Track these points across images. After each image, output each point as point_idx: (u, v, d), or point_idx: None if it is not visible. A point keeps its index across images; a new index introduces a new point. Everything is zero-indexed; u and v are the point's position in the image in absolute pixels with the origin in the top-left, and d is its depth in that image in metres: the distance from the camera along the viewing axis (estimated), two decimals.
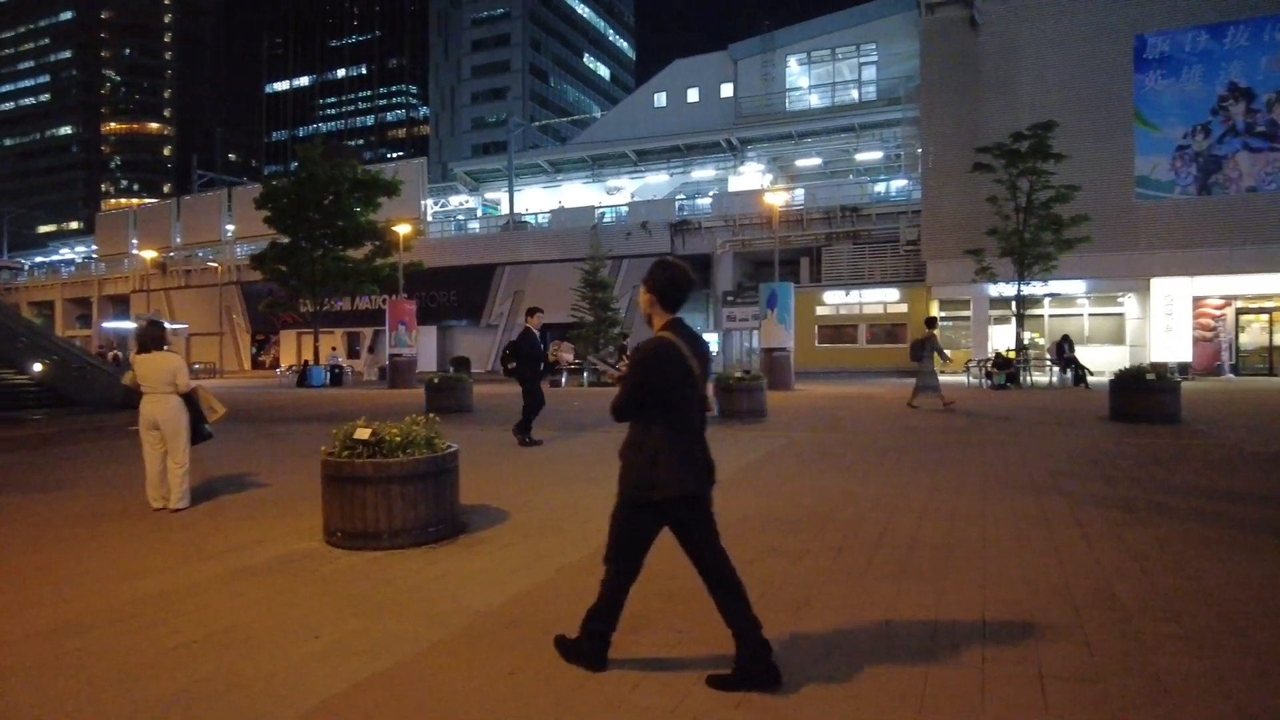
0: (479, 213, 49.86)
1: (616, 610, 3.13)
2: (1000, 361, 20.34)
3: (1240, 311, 26.13)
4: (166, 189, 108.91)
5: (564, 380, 24.63)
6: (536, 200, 48.19)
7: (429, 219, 47.37)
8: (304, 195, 29.59)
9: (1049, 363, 22.42)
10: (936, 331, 15.08)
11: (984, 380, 21.77)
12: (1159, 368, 26.37)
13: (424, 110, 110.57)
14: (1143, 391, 11.18)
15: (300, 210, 29.62)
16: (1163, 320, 26.09)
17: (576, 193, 46.97)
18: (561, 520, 5.68)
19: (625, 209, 41.63)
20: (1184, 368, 25.32)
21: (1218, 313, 26.24)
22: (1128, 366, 12.47)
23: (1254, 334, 26.34)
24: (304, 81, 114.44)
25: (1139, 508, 5.75)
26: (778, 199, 21.40)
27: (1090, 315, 28.03)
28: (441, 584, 4.28)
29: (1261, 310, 26.14)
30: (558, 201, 46.24)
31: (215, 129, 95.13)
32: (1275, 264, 24.85)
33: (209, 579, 4.44)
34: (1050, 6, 27.13)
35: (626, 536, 3.13)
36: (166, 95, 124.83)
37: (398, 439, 4.98)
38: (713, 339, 36.19)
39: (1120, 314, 27.73)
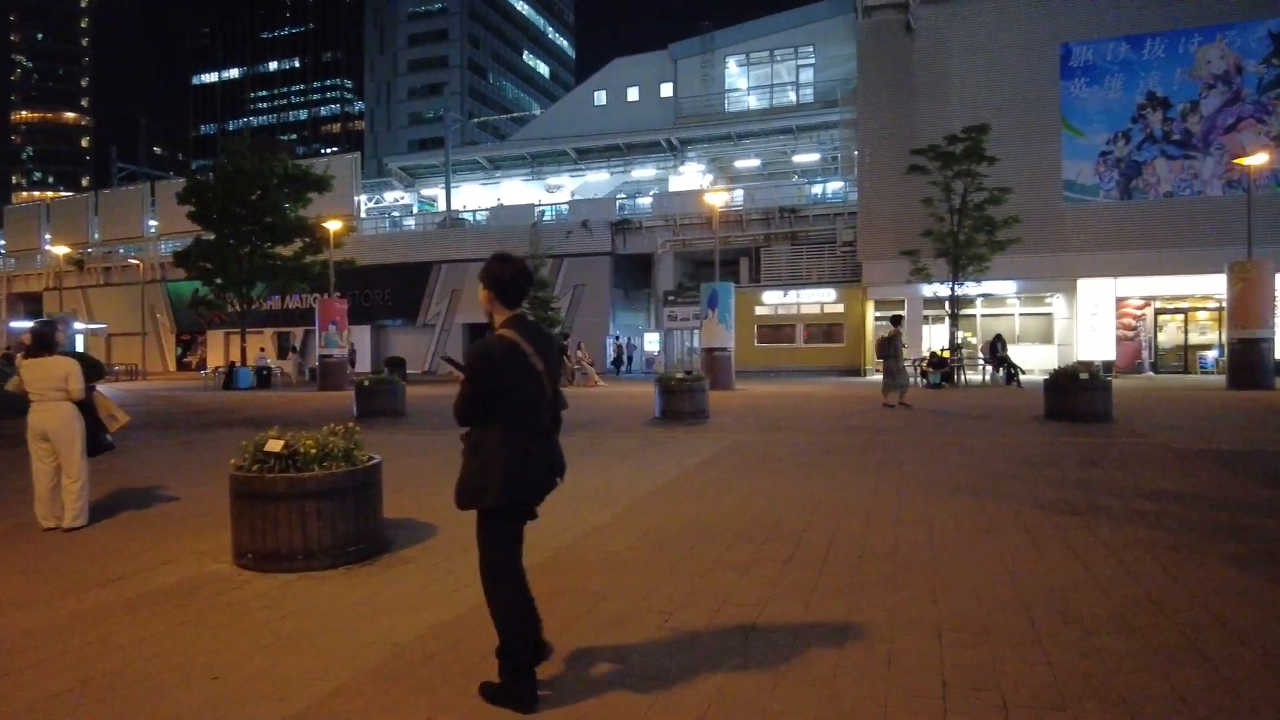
0: (415, 209, 48.84)
1: (526, 636, 2.86)
2: (935, 361, 20.67)
3: (1159, 311, 27.14)
4: (85, 182, 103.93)
5: None
6: (475, 197, 47.40)
7: (363, 215, 46.14)
8: (230, 190, 28.36)
9: (982, 362, 22.88)
10: (902, 329, 15.35)
11: (920, 379, 22.11)
12: (1089, 366, 27.46)
13: (359, 105, 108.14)
14: (1076, 391, 11.36)
15: (226, 205, 28.37)
16: (1089, 320, 26.92)
17: (516, 190, 46.35)
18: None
19: (565, 207, 41.23)
20: (1108, 366, 26.18)
21: (1139, 313, 27.21)
22: (1058, 365, 12.71)
23: (1170, 333, 27.39)
24: (234, 74, 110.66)
25: (1082, 510, 5.71)
26: (718, 199, 21.29)
27: (1020, 315, 28.75)
28: (359, 611, 3.92)
29: (1177, 310, 27.19)
30: (497, 199, 45.55)
31: (138, 120, 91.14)
32: (1190, 266, 25.85)
33: (99, 610, 4.00)
34: (981, 14, 27.75)
35: (488, 550, 2.95)
36: (84, 83, 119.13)
37: (313, 451, 4.59)
38: (654, 339, 36.09)
39: (1049, 314, 28.53)
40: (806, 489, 6.72)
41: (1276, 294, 19.17)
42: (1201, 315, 27.03)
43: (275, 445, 4.58)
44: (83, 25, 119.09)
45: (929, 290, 26.90)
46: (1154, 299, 27.04)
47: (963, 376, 22.32)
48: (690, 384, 12.41)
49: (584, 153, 43.96)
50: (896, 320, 15.31)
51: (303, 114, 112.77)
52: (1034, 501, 6.04)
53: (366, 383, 15.03)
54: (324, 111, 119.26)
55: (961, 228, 22.40)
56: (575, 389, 22.74)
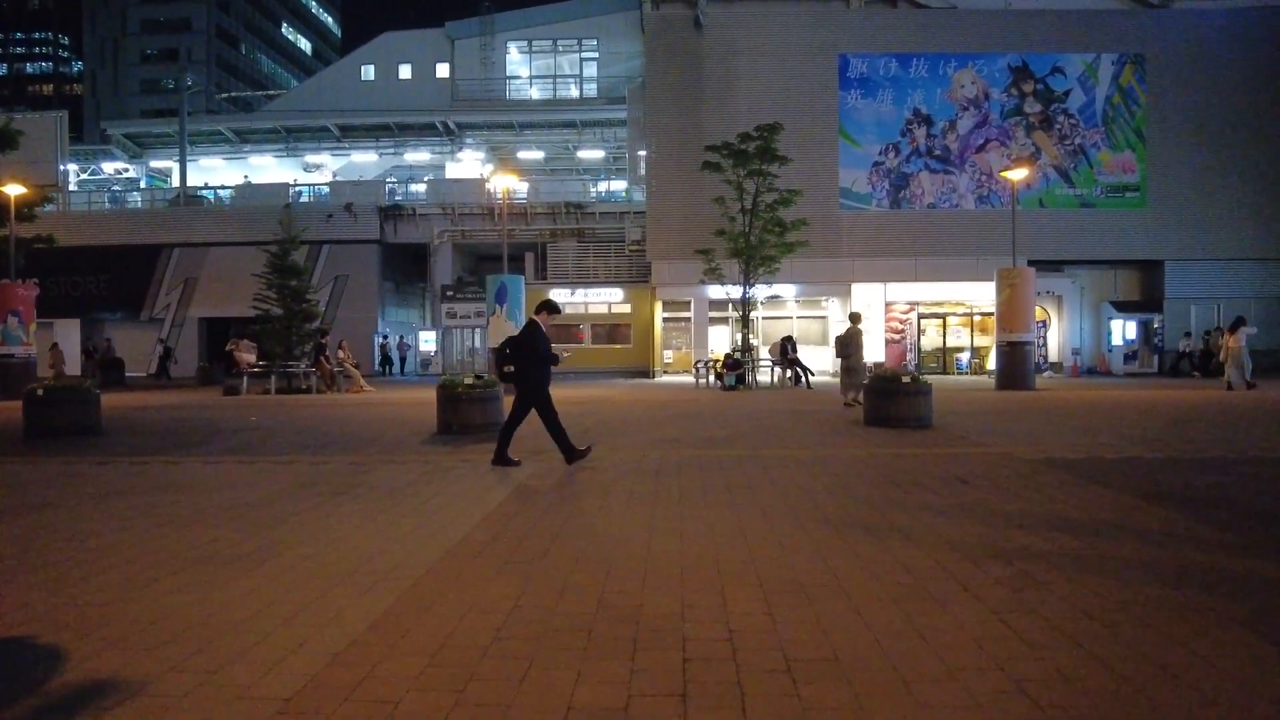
0: (143, 185, 41.84)
1: None
2: (731, 363, 20.01)
3: (921, 316, 28.81)
4: None
5: (244, 386, 20.36)
6: (218, 174, 41.41)
7: (73, 187, 38.71)
8: None
9: (770, 363, 22.68)
10: (860, 326, 14.94)
11: (712, 381, 21.44)
12: (900, 370, 28.70)
13: (79, 66, 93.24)
14: (899, 395, 10.67)
15: None
16: (862, 324, 27.92)
17: (268, 168, 41.02)
18: (167, 652, 3.06)
19: (326, 189, 36.99)
20: (877, 367, 27.37)
21: (904, 317, 28.73)
22: (828, 365, 12.10)
23: (931, 337, 29.21)
24: None
25: (1010, 554, 4.44)
26: (507, 180, 19.25)
27: (799, 318, 29.36)
28: None
29: (936, 315, 29.05)
30: (244, 176, 39.98)
31: None
32: (948, 274, 27.69)
33: None
34: (768, 16, 27.95)
35: None
36: None
37: None
38: (430, 338, 33.09)
39: (824, 317, 29.38)
40: (655, 536, 4.97)
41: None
42: (953, 320, 29.07)
43: None
44: None
45: (717, 292, 26.62)
46: (917, 304, 28.68)
47: (754, 378, 21.98)
48: (482, 391, 10.29)
49: (349, 130, 39.77)
50: (855, 318, 14.88)
51: (0, 68, 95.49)
52: (944, 542, 4.71)
53: (41, 391, 11.31)
54: (31, 69, 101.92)
55: (753, 228, 22.05)
56: (335, 396, 19.57)
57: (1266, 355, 26.81)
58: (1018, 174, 20.70)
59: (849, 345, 14.49)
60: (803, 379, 21.29)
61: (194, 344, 33.50)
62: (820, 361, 25.90)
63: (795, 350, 21.59)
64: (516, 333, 8.32)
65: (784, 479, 6.93)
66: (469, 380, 10.61)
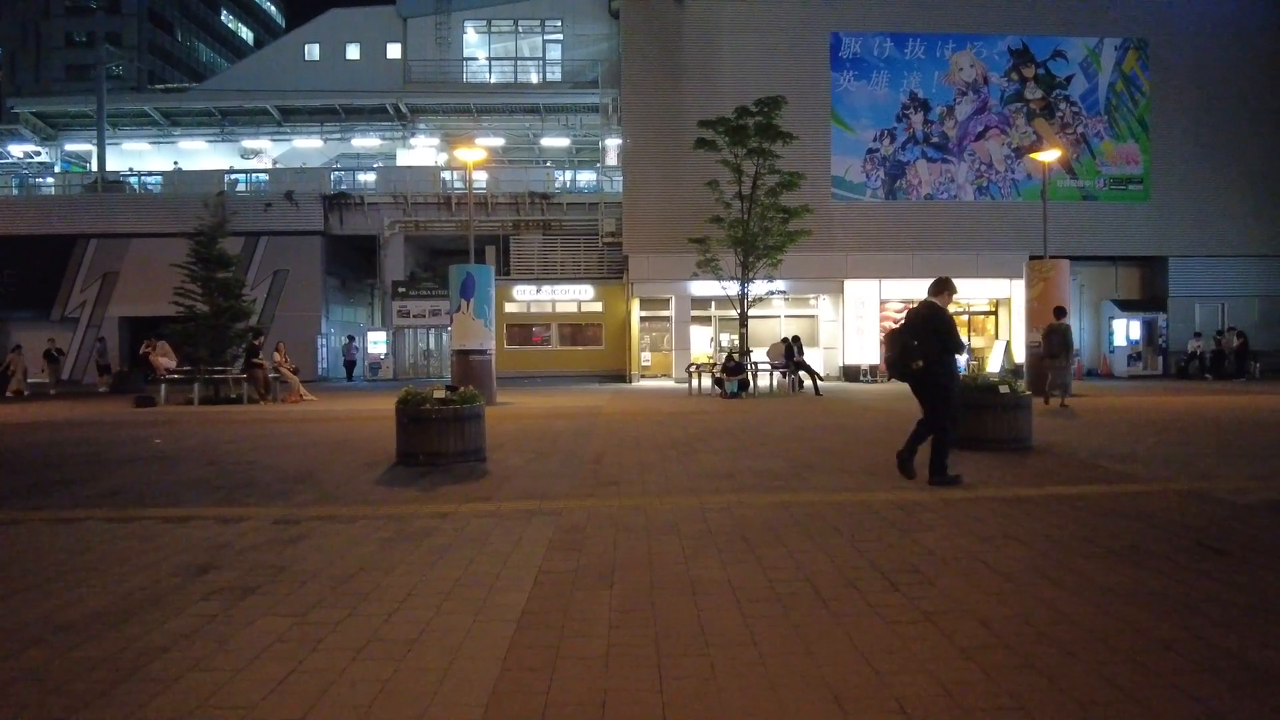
0: (58, 169, 37.88)
1: None
2: (733, 366, 17.58)
3: None
4: None
5: (162, 395, 17.29)
6: (145, 159, 37.65)
7: None
8: None
9: (771, 367, 20.34)
10: (1067, 320, 14.44)
11: (707, 386, 19.05)
12: (852, 370, 26.76)
13: None
14: (993, 410, 8.40)
15: None
16: (855, 323, 25.91)
17: (201, 153, 37.42)
18: None
19: (266, 176, 33.65)
20: (873, 369, 25.33)
21: (899, 317, 26.70)
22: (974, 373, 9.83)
23: None
24: None
25: None
26: (471, 154, 16.58)
27: (787, 317, 27.13)
28: None
29: None
30: (173, 163, 36.32)
31: None
32: (946, 270, 25.47)
33: None
34: None
35: None
36: None
37: None
38: (380, 338, 30.10)
39: (814, 315, 27.22)
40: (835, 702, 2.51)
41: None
42: (960, 318, 27.14)
43: None
44: None
45: (701, 288, 24.31)
46: (911, 302, 26.64)
47: (755, 384, 19.66)
48: (460, 409, 7.65)
49: (290, 113, 36.38)
50: (1061, 312, 14.26)
51: None
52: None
53: None
54: None
55: (752, 215, 19.73)
56: (270, 407, 16.66)
57: (1271, 356, 25.55)
58: (1049, 155, 18.76)
59: (1062, 341, 13.91)
60: (807, 384, 19.03)
61: (114, 346, 29.91)
62: (813, 365, 23.68)
63: (801, 352, 19.35)
64: (902, 321, 6.94)
65: (945, 549, 4.52)
66: (439, 393, 7.94)
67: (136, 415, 14.80)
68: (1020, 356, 25.15)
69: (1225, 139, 26.47)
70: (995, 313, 27.09)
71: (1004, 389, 8.40)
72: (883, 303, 26.22)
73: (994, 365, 25.13)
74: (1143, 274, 27.61)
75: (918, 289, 25.94)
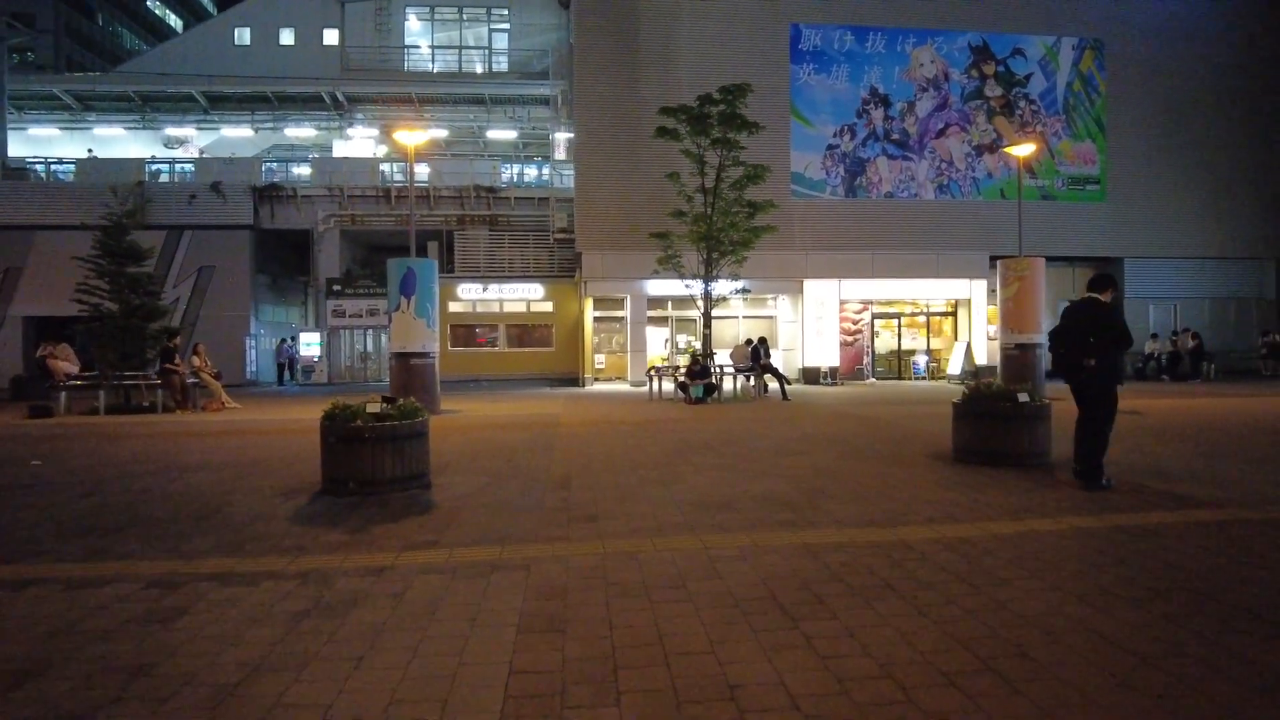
0: None
1: None
2: (698, 370, 16.46)
3: (876, 316, 26.23)
4: None
5: (62, 404, 15.42)
6: (55, 145, 34.95)
7: None
8: None
9: (735, 370, 19.28)
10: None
11: (668, 390, 17.94)
12: (812, 372, 26.00)
13: None
14: (1012, 420, 7.45)
15: None
16: (814, 324, 25.10)
17: (119, 140, 34.88)
18: None
19: (191, 167, 31.42)
20: (833, 371, 24.58)
21: (857, 317, 26.05)
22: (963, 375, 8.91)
23: (885, 339, 26.68)
24: None
25: None
26: (414, 137, 15.17)
27: (745, 318, 26.19)
28: None
29: (891, 316, 26.56)
30: (87, 150, 33.73)
31: None
32: (906, 271, 25.18)
33: None
34: None
35: None
36: None
37: None
38: (313, 340, 28.23)
39: (773, 316, 26.34)
40: None
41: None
42: (906, 320, 26.66)
43: None
44: None
45: (659, 287, 23.26)
46: (871, 303, 26.06)
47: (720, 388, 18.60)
48: (398, 426, 6.32)
49: (219, 100, 34.16)
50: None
51: None
52: None
53: None
54: None
55: (716, 209, 18.69)
56: (187, 417, 14.97)
57: (1221, 356, 25.65)
58: (1024, 150, 18.18)
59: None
60: (773, 388, 18.08)
61: (17, 347, 27.41)
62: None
63: (768, 355, 18.37)
64: (1062, 320, 6.77)
65: (1038, 613, 3.45)
66: (373, 406, 6.57)
67: (25, 428, 12.99)
68: (981, 359, 24.88)
69: (1179, 141, 26.48)
70: (954, 314, 26.59)
71: (1023, 398, 7.45)
72: (842, 303, 25.48)
73: (954, 368, 24.61)
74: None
75: (878, 289, 25.54)
